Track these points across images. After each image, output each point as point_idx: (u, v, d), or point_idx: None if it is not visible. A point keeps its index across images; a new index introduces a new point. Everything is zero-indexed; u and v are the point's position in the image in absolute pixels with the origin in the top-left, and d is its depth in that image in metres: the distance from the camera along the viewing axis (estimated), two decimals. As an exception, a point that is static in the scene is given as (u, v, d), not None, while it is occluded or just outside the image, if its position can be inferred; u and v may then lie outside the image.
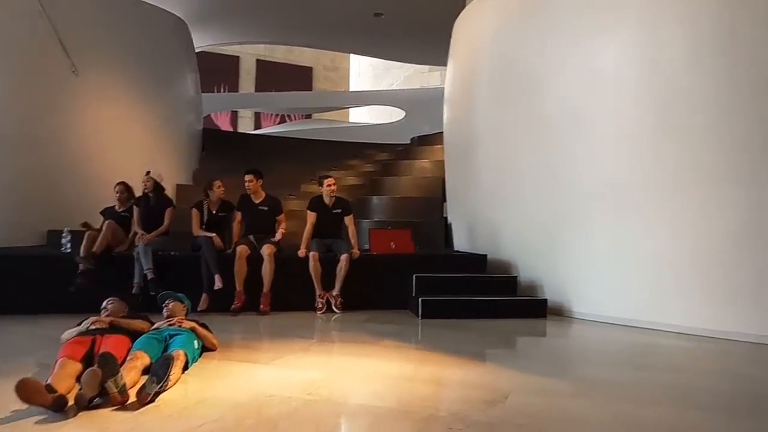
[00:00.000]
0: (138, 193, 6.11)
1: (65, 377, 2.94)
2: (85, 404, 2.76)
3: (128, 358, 3.25)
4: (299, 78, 21.08)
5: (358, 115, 20.47)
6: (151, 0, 8.91)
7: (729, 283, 4.71)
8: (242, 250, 5.65)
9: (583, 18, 5.62)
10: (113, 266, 5.55)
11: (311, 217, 6.05)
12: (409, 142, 11.29)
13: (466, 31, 7.70)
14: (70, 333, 3.55)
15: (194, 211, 5.98)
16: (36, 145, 6.96)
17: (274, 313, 5.52)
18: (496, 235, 6.56)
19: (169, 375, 2.97)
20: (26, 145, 6.86)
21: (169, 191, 7.58)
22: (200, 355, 3.76)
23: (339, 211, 6.14)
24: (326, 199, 6.13)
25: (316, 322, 5.43)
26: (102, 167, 7.52)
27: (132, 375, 3.03)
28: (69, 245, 5.91)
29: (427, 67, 17.94)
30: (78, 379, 2.92)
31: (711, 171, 4.79)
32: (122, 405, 2.80)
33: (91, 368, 2.82)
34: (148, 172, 6.07)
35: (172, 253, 5.77)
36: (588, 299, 5.54)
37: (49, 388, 2.74)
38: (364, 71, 21.93)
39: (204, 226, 5.90)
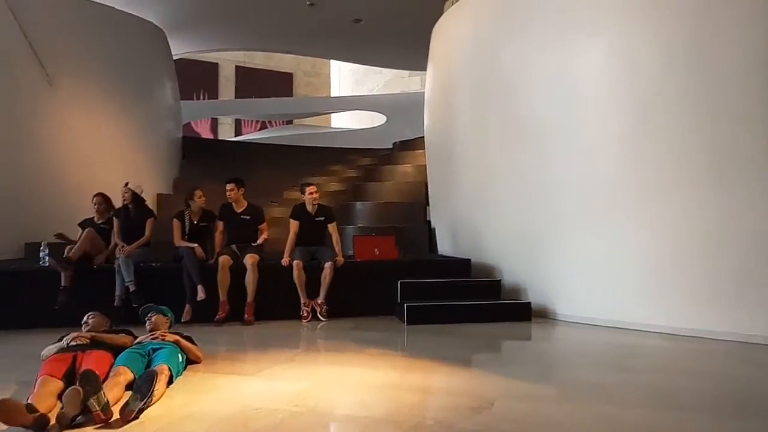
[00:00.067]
0: (117, 204, 6.03)
1: (46, 395, 2.90)
2: (68, 423, 2.72)
3: (111, 374, 3.21)
4: (279, 84, 21.03)
5: (340, 120, 20.45)
6: (128, 8, 8.83)
7: (711, 283, 4.75)
8: (225, 260, 5.61)
9: (561, 22, 5.67)
10: (93, 279, 5.48)
11: (294, 225, 6.02)
12: (391, 146, 11.31)
13: (444, 36, 7.74)
14: (50, 350, 3.50)
15: (175, 221, 5.92)
16: (11, 156, 6.85)
17: (258, 323, 5.49)
18: (478, 238, 6.60)
19: (153, 391, 2.94)
20: (1, 156, 6.74)
21: (150, 200, 7.51)
22: (185, 369, 3.73)
23: (322, 218, 6.12)
24: (309, 207, 6.11)
25: (302, 330, 5.41)
26: (80, 178, 7.43)
27: (115, 392, 2.99)
28: (47, 258, 5.81)
29: (407, 72, 18.01)
30: (60, 396, 2.88)
31: (692, 171, 4.83)
32: (106, 423, 2.75)
33: (72, 387, 2.78)
34: (127, 183, 6.00)
35: (154, 264, 5.71)
36: (571, 301, 5.58)
37: (30, 408, 2.69)
38: (345, 76, 21.94)
39: (186, 237, 5.86)
